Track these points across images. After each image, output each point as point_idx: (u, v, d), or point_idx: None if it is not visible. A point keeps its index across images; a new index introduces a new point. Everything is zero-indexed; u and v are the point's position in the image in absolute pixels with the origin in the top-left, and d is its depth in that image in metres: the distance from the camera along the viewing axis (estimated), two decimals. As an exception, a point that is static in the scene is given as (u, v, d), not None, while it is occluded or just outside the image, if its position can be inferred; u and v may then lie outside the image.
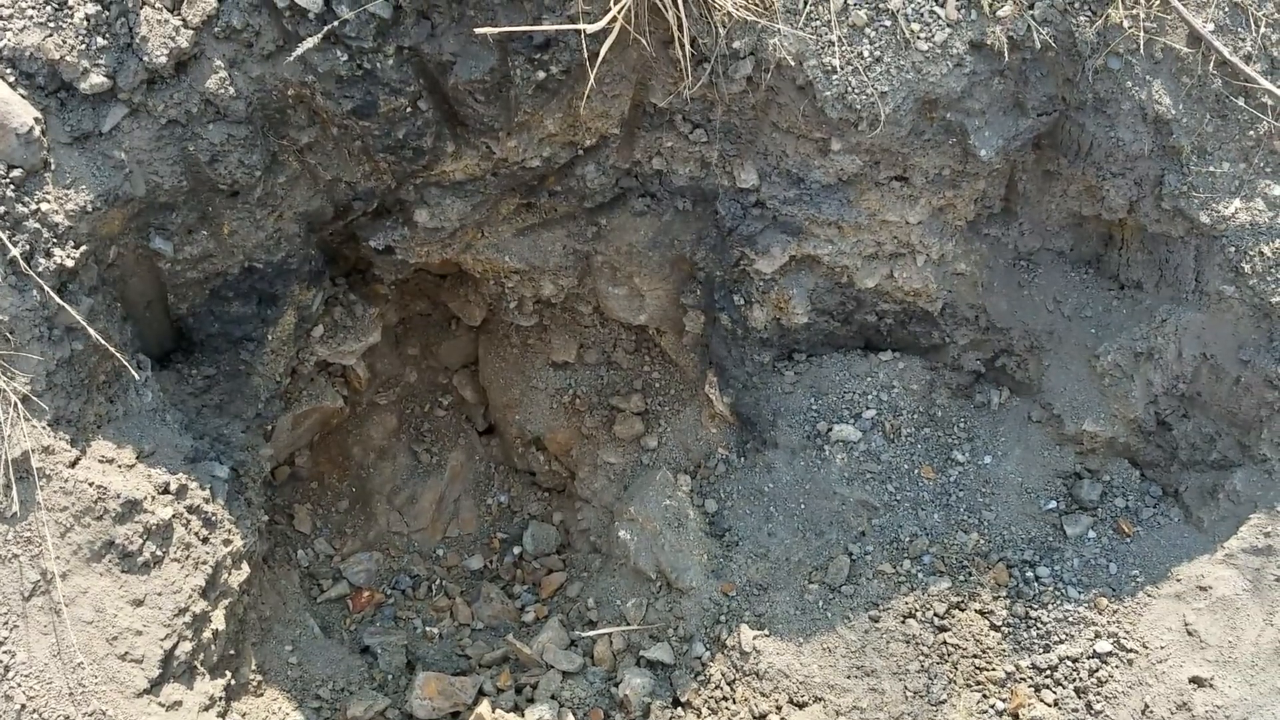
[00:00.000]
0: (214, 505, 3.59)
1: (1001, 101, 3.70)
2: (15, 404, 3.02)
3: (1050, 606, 3.86)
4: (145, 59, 3.17)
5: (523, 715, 4.01)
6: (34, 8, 3.07)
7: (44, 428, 3.10)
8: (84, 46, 3.12)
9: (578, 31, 3.31)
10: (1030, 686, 3.77)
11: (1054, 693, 3.74)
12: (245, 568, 3.70)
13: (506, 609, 4.63)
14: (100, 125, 3.19)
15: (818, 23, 3.53)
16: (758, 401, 4.32)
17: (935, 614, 3.90)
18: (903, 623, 3.90)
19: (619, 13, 3.29)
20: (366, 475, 4.93)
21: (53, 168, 3.11)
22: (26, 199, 3.05)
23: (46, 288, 3.07)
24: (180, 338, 3.84)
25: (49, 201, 3.09)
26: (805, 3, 3.52)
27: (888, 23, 3.54)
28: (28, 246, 3.04)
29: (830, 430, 4.22)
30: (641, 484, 4.43)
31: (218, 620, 3.50)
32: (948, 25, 3.55)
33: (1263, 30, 3.56)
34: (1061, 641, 3.81)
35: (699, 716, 3.90)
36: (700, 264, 4.24)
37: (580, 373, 4.86)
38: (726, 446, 4.41)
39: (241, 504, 3.79)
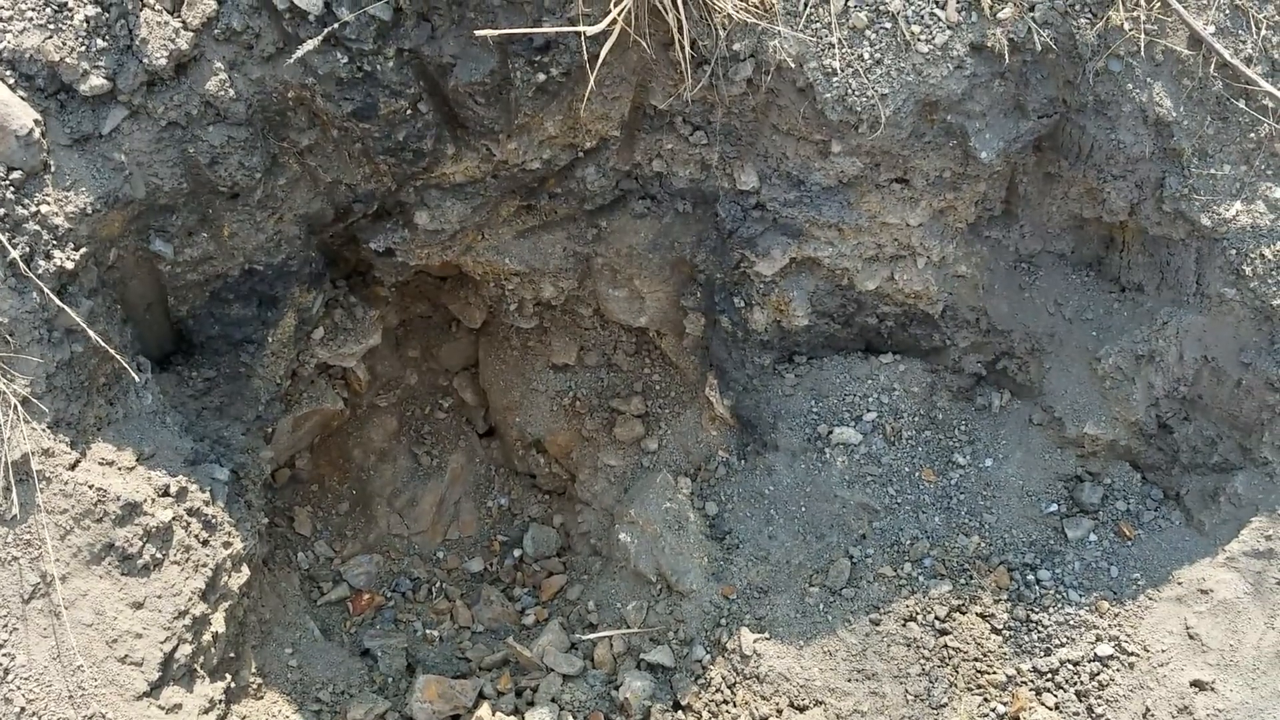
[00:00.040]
0: (214, 508, 3.58)
1: (1002, 104, 3.70)
2: (15, 406, 3.02)
3: (1051, 610, 3.86)
4: (145, 61, 3.17)
5: (523, 718, 4.00)
6: (34, 10, 3.07)
7: (44, 430, 3.10)
8: (84, 48, 3.12)
9: (578, 34, 3.31)
10: (1031, 690, 3.76)
11: (1055, 696, 3.74)
12: (245, 570, 3.70)
13: (507, 612, 4.63)
14: (100, 127, 3.19)
15: (818, 25, 3.53)
16: (758, 404, 4.32)
17: (936, 617, 3.89)
18: (903, 626, 3.89)
19: (619, 15, 3.29)
20: (367, 478, 4.93)
21: (52, 170, 3.11)
22: (26, 201, 3.05)
23: (46, 290, 3.06)
24: (180, 340, 3.84)
25: (49, 203, 3.09)
26: (805, 5, 3.52)
27: (888, 25, 3.53)
28: (28, 248, 3.04)
29: (831, 433, 4.21)
30: (642, 486, 4.42)
31: (217, 623, 3.49)
32: (948, 27, 3.54)
33: (1263, 32, 3.56)
34: (1062, 645, 3.81)
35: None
36: (700, 266, 4.24)
37: (580, 375, 4.85)
38: (727, 449, 4.40)
39: (241, 506, 3.79)
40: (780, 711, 3.81)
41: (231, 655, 3.66)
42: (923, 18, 3.53)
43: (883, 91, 3.56)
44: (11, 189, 3.01)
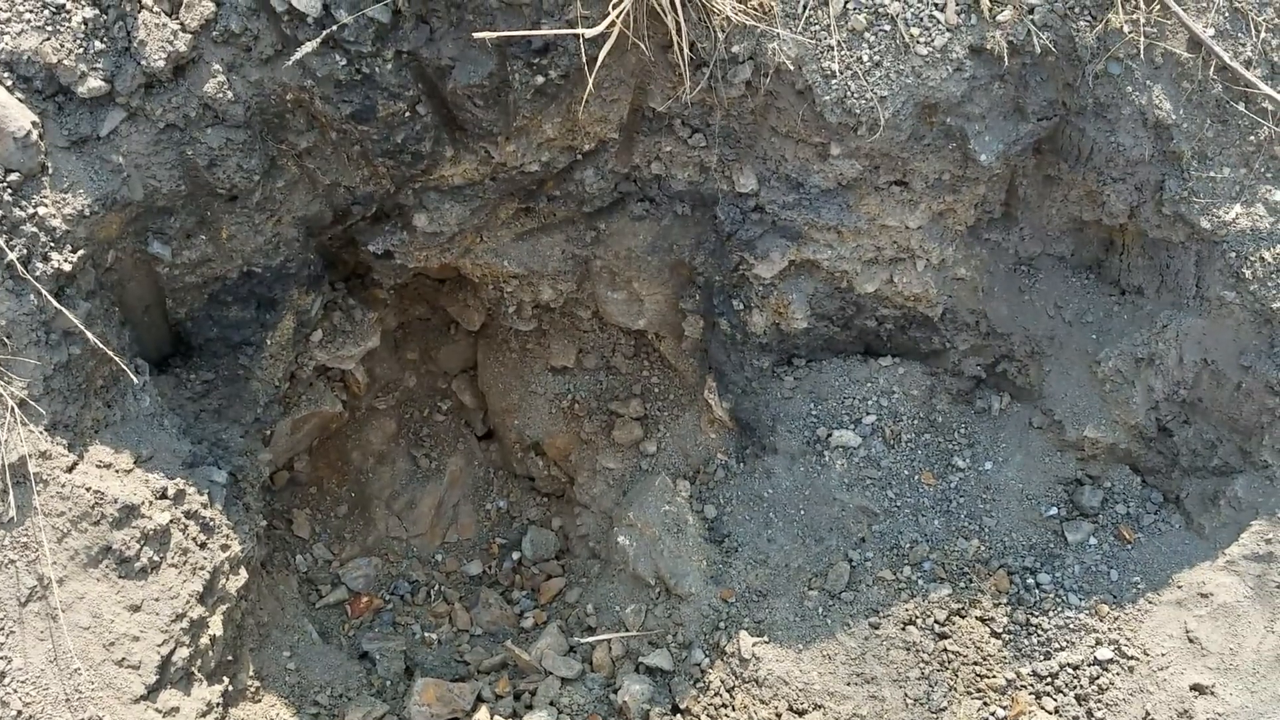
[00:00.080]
0: (212, 510, 3.58)
1: (1001, 106, 3.69)
2: (12, 408, 3.01)
3: (1051, 613, 3.85)
4: (143, 63, 3.17)
5: (521, 721, 4.00)
6: (32, 11, 3.07)
7: (41, 432, 3.09)
8: (82, 50, 3.12)
9: (576, 36, 3.31)
10: (1031, 694, 3.76)
11: (1055, 700, 3.73)
12: (243, 573, 3.69)
13: (505, 615, 4.62)
14: (98, 129, 3.19)
15: (817, 27, 3.53)
16: (757, 407, 4.31)
17: (936, 621, 3.88)
18: (903, 629, 3.89)
19: (618, 17, 3.28)
20: (365, 480, 4.92)
21: (50, 172, 3.10)
22: (24, 203, 3.04)
23: (44, 292, 3.06)
24: (178, 342, 3.84)
25: (46, 205, 3.08)
26: (804, 7, 3.51)
27: (887, 27, 3.53)
28: (25, 250, 3.04)
29: (830, 436, 4.21)
30: (640, 489, 4.42)
31: (215, 626, 3.49)
32: (947, 29, 3.54)
33: (1263, 35, 3.56)
34: (1062, 648, 3.80)
35: (698, 723, 3.90)
36: (699, 269, 4.24)
37: (579, 378, 4.85)
38: (726, 452, 4.40)
39: (240, 509, 3.79)
40: (779, 715, 3.80)
41: (229, 658, 3.65)
42: (922, 20, 3.53)
43: (882, 94, 3.55)
44: (9, 191, 3.01)
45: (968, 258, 4.14)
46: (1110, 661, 3.72)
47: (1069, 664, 3.76)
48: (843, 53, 3.53)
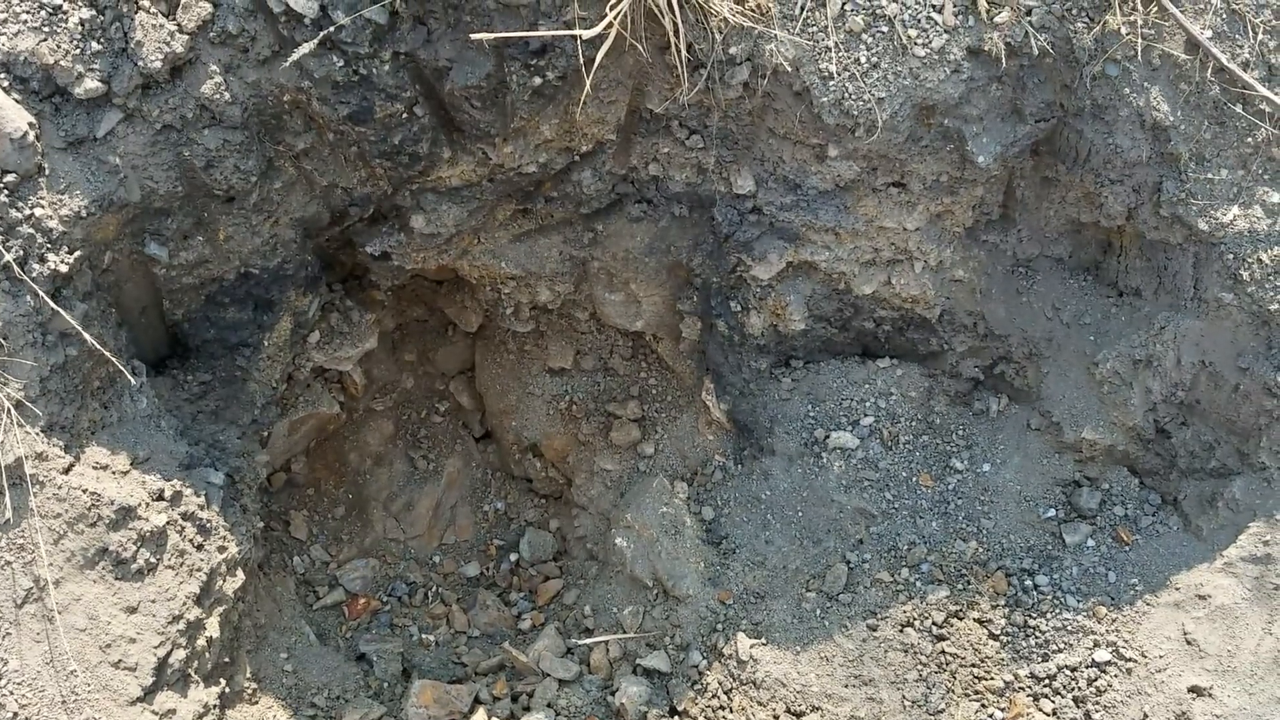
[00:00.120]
0: (209, 512, 3.57)
1: (999, 108, 3.69)
2: (9, 410, 3.01)
3: (1049, 615, 3.85)
4: (140, 64, 3.16)
5: (518, 723, 4.00)
6: (28, 12, 3.07)
7: (37, 434, 3.09)
8: (79, 51, 3.11)
9: (574, 37, 3.31)
10: (1029, 696, 3.75)
11: (1053, 702, 3.73)
12: (240, 575, 3.69)
13: (503, 616, 4.62)
14: (95, 130, 3.19)
15: (814, 28, 3.52)
16: (755, 408, 4.31)
17: (933, 623, 3.88)
18: (901, 631, 3.88)
19: (615, 19, 3.28)
20: (363, 482, 4.92)
21: (47, 173, 3.10)
22: (20, 204, 3.04)
23: (41, 293, 3.06)
24: (175, 344, 3.84)
25: (43, 207, 3.08)
26: (802, 8, 3.51)
27: (885, 28, 3.53)
28: (21, 252, 3.04)
29: (828, 437, 4.20)
30: (638, 491, 4.41)
31: (212, 627, 3.48)
32: (945, 31, 3.54)
33: (1260, 37, 3.56)
34: (1060, 650, 3.80)
35: (695, 725, 3.89)
36: (697, 270, 4.23)
37: (577, 379, 4.85)
38: (723, 453, 4.39)
39: (237, 510, 3.78)
40: (777, 717, 3.80)
41: (226, 660, 3.65)
42: (919, 21, 3.53)
43: (879, 95, 3.55)
44: (6, 192, 3.01)
45: (965, 259, 4.14)
46: (1108, 663, 3.72)
47: (1067, 666, 3.76)
48: (840, 54, 3.53)
